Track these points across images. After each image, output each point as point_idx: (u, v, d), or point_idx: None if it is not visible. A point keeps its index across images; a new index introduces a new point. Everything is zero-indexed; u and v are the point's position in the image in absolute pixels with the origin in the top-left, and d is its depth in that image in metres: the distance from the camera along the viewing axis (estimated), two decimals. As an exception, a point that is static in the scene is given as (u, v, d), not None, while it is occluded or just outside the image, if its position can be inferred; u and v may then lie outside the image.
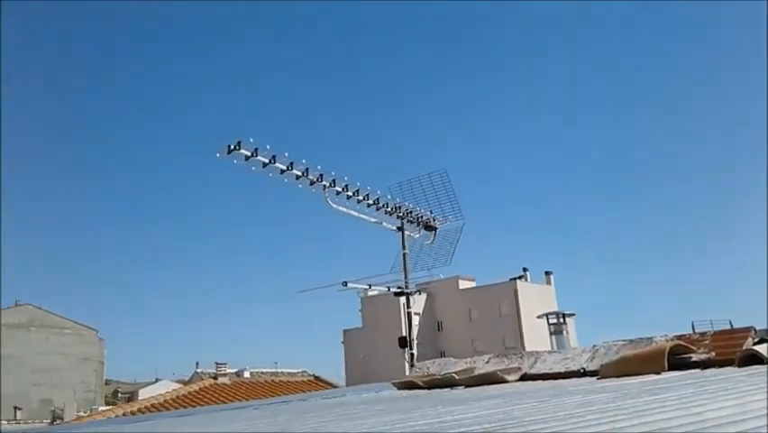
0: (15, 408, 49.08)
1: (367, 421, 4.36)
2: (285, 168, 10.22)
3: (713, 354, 6.04)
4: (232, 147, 9.67)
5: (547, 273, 42.86)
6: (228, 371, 30.12)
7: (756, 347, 5.54)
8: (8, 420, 42.66)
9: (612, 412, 3.08)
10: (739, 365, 5.47)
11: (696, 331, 7.21)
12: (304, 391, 21.32)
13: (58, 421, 36.49)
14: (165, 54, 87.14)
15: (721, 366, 5.76)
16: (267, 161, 9.97)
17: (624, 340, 7.31)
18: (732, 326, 8.22)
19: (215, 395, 23.88)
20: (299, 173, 10.40)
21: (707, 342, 6.24)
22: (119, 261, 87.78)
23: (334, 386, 28.30)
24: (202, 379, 30.61)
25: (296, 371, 33.03)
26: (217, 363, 29.64)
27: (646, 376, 5.79)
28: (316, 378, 30.85)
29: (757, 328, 6.11)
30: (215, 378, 27.23)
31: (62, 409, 41.36)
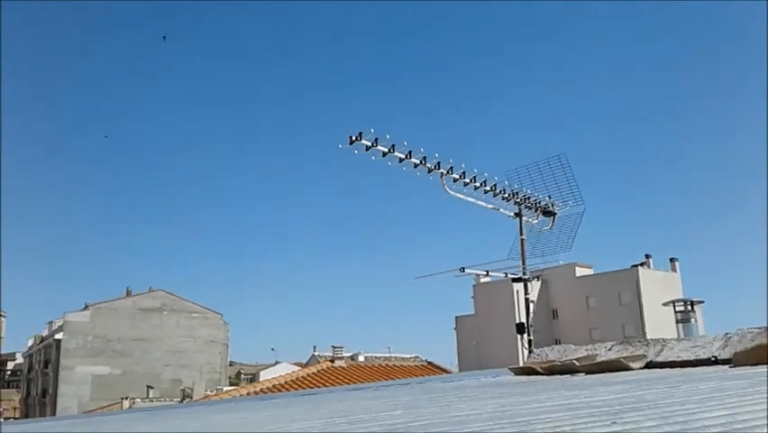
0: (148, 387, 52.95)
1: (489, 402, 4.43)
2: (404, 156, 10.45)
3: None
4: (353, 138, 10.02)
5: (672, 260, 40.84)
6: (344, 354, 31.00)
7: None
8: (141, 398, 46.00)
9: (751, 397, 2.99)
10: None
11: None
12: (418, 376, 21.62)
13: (187, 399, 38.98)
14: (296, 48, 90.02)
15: None
16: (386, 150, 10.24)
17: (759, 327, 6.93)
18: None
19: (332, 377, 24.70)
20: (417, 161, 10.60)
21: None
22: (242, 250, 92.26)
23: (447, 372, 28.46)
24: (319, 362, 31.72)
25: (408, 356, 33.46)
26: (334, 347, 30.56)
27: (786, 365, 5.48)
28: (429, 363, 31.15)
29: None
30: (332, 361, 28.12)
31: (191, 389, 44.11)
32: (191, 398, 39.42)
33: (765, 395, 2.98)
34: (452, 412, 3.90)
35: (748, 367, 5.73)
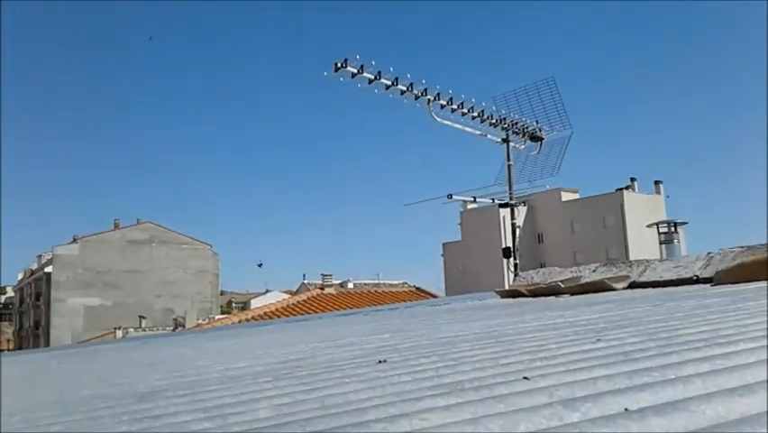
0: (140, 316, 53.69)
1: (477, 324, 4.51)
2: (390, 83, 10.30)
3: (842, 259, 5.74)
4: (339, 65, 9.83)
5: (656, 183, 41.22)
6: (333, 282, 31.41)
7: None
8: (134, 328, 46.69)
9: (733, 313, 3.06)
10: None
11: (822, 238, 6.82)
12: (406, 301, 22.02)
13: (179, 328, 39.59)
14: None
15: None
16: (372, 77, 10.07)
17: (741, 247, 7.05)
18: None
19: (323, 304, 25.12)
20: (404, 88, 10.45)
21: (835, 247, 5.92)
22: (229, 179, 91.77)
23: (435, 296, 28.99)
24: (309, 289, 32.17)
25: (397, 282, 33.98)
26: (323, 275, 30.94)
27: (765, 282, 5.61)
28: (418, 289, 31.70)
29: None
30: (322, 288, 28.55)
31: (183, 318, 44.78)
32: (183, 327, 40.03)
33: (746, 311, 3.04)
34: (440, 334, 3.97)
35: (729, 285, 5.86)
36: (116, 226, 60.89)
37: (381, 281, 34.68)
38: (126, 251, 58.81)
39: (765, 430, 0.92)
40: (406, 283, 33.31)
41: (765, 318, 2.58)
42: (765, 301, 3.51)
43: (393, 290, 31.01)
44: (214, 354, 4.65)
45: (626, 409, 1.19)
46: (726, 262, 6.83)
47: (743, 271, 6.25)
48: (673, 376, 1.49)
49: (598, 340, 2.49)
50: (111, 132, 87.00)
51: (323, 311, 22.11)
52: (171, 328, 42.39)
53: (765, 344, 1.85)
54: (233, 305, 76.94)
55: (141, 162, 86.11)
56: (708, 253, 7.42)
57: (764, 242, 6.89)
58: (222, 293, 73.19)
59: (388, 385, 1.98)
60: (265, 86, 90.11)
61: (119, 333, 42.52)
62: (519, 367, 2.00)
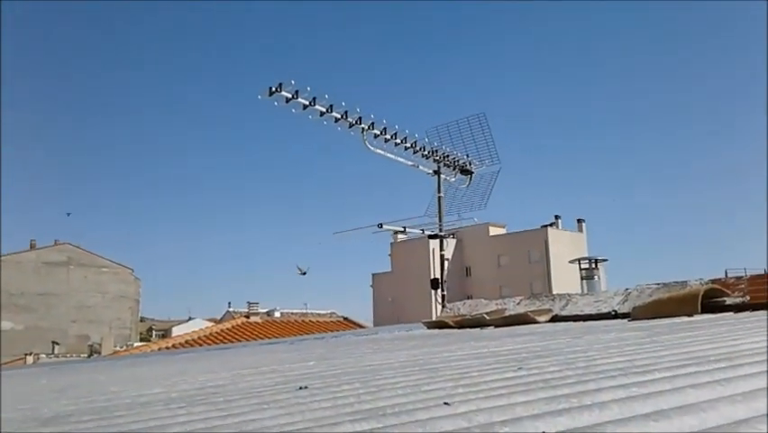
0: (54, 342, 51.06)
1: (402, 353, 4.49)
2: (325, 110, 10.30)
3: (748, 297, 6.04)
4: (273, 89, 9.78)
5: (579, 221, 42.68)
6: (259, 310, 30.83)
7: (793, 292, 5.53)
8: (47, 354, 44.35)
9: (648, 345, 3.15)
10: (774, 309, 5.48)
11: (730, 277, 7.19)
12: (334, 331, 21.81)
13: (95, 355, 37.90)
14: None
15: (755, 310, 5.78)
16: (307, 102, 10.06)
17: (657, 283, 7.33)
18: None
19: (248, 333, 24.55)
20: (339, 116, 10.48)
21: (742, 286, 6.24)
22: (154, 202, 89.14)
23: (363, 327, 28.86)
24: (234, 318, 31.42)
25: (324, 312, 33.64)
26: (249, 303, 30.39)
27: (679, 318, 5.84)
28: (345, 319, 31.46)
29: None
30: (247, 317, 27.95)
31: (99, 345, 42.88)
32: (99, 354, 38.30)
33: (661, 344, 3.14)
34: (365, 362, 3.92)
35: (646, 320, 6.06)
36: (32, 247, 58.02)
37: (309, 311, 34.26)
38: (42, 272, 56.04)
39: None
40: (334, 313, 33.02)
41: (680, 351, 2.66)
42: (679, 335, 3.64)
43: (321, 319, 30.66)
44: (127, 381, 4.44)
45: (543, 433, 1.19)
46: (642, 298, 7.08)
47: (658, 308, 6.49)
48: (590, 402, 1.50)
49: (520, 369, 2.51)
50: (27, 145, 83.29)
51: (247, 340, 21.61)
52: (86, 355, 40.53)
53: (679, 373, 1.90)
54: (154, 332, 74.25)
55: (61, 181, 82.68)
56: (627, 289, 7.68)
57: (679, 280, 7.20)
58: (142, 320, 70.58)
59: (307, 411, 1.93)
60: (199, 99, 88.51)
61: (29, 359, 40.23)
62: (441, 393, 1.98)
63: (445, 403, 1.70)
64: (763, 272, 7.30)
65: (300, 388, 2.59)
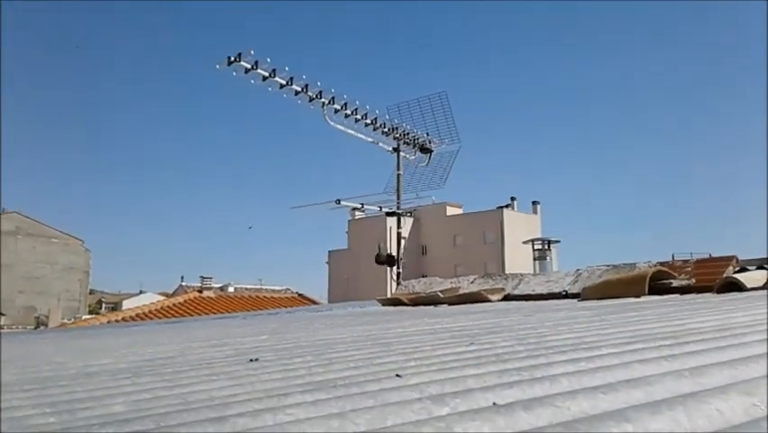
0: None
1: (356, 328, 4.49)
2: (285, 82, 10.15)
3: (693, 280, 6.22)
4: (232, 59, 9.58)
5: (534, 203, 43.30)
6: (213, 285, 30.52)
7: (737, 276, 5.72)
8: (-10, 325, 43.13)
9: (597, 323, 3.21)
10: (718, 292, 5.66)
11: (676, 260, 7.39)
12: (288, 307, 21.73)
13: (42, 327, 37.03)
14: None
15: (700, 292, 5.95)
16: (267, 74, 9.89)
17: (607, 265, 7.50)
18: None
19: (200, 307, 24.28)
20: (299, 89, 10.34)
21: (689, 269, 6.42)
22: (108, 174, 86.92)
23: (318, 303, 28.84)
24: (186, 292, 31.00)
25: (279, 288, 33.48)
26: (202, 277, 30.03)
27: (627, 299, 5.98)
28: (300, 295, 31.37)
29: (739, 258, 6.29)
30: (200, 291, 27.62)
31: (47, 316, 41.88)
32: (46, 325, 37.42)
33: (609, 322, 3.20)
34: (318, 336, 3.90)
35: (595, 301, 6.19)
36: (-23, 215, 56.13)
37: (263, 287, 34.05)
38: (-13, 242, 54.30)
39: (627, 424, 0.93)
40: (288, 289, 32.89)
41: (627, 329, 2.72)
42: (627, 315, 3.72)
43: (275, 295, 30.51)
44: (74, 352, 4.33)
45: (494, 404, 1.19)
46: (592, 279, 7.23)
47: (607, 289, 6.64)
48: (541, 376, 1.51)
49: (472, 344, 2.52)
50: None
51: (200, 315, 21.38)
52: (33, 327, 39.56)
53: (627, 349, 1.93)
54: (104, 305, 72.85)
55: (12, 148, 79.92)
56: (577, 270, 7.83)
57: (628, 262, 7.36)
58: (91, 292, 69.10)
59: (257, 382, 1.90)
60: (154, 71, 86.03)
61: (-28, 330, 39.10)
62: (393, 366, 1.97)
63: (397, 376, 1.69)
64: (708, 257, 7.52)
65: (251, 360, 2.56)
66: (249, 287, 33.66)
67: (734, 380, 1.24)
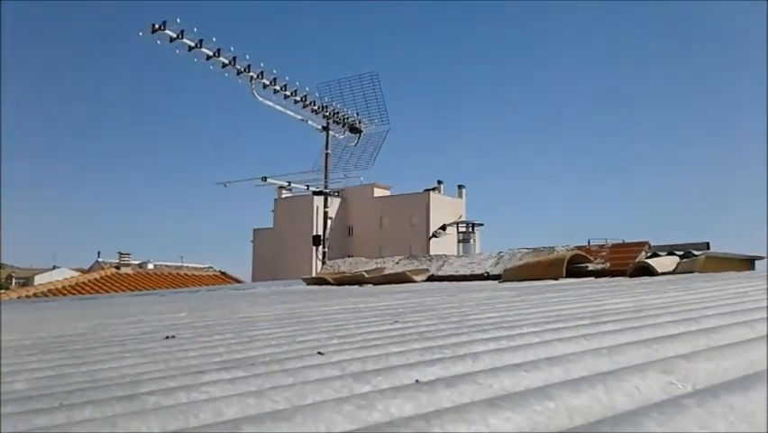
0: None
1: (279, 307, 4.43)
2: (212, 54, 9.84)
3: (608, 264, 6.47)
4: (156, 26, 9.19)
5: (460, 187, 43.95)
6: (131, 262, 29.57)
7: (649, 261, 5.97)
8: None
9: (518, 303, 3.27)
10: (631, 276, 5.90)
11: (592, 245, 7.66)
12: (210, 285, 21.32)
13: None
14: None
15: (614, 276, 6.20)
16: (193, 44, 9.56)
17: (527, 248, 7.69)
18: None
19: (117, 284, 23.49)
20: (226, 61, 10.06)
21: (604, 253, 6.67)
22: (21, 141, 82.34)
23: (241, 282, 28.42)
24: (103, 268, 29.93)
25: (202, 266, 32.78)
26: (120, 253, 29.03)
27: (546, 281, 6.16)
28: (223, 273, 30.83)
29: (652, 244, 6.57)
30: (118, 268, 26.72)
31: (-50, 291, 39.58)
32: (-51, 301, 35.32)
33: (530, 303, 3.26)
34: (241, 314, 3.82)
35: (516, 282, 6.34)
36: None
37: (185, 264, 33.25)
38: None
39: (549, 401, 0.92)
40: (211, 268, 32.23)
41: (547, 309, 2.77)
42: (547, 295, 3.81)
43: (197, 273, 29.84)
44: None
45: (416, 381, 1.17)
46: (513, 261, 7.40)
47: (527, 271, 6.81)
48: (463, 353, 1.50)
49: (396, 322, 2.51)
50: None
51: (117, 292, 20.68)
52: (-67, 303, 37.22)
53: (547, 328, 1.96)
54: (14, 280, 69.40)
55: None
56: (499, 253, 8.00)
57: (548, 245, 7.58)
58: (1, 267, 65.76)
59: (171, 360, 1.82)
60: (76, 33, 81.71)
61: None
62: (315, 344, 1.93)
63: (319, 353, 1.66)
64: (621, 242, 7.84)
65: (167, 337, 2.46)
66: (169, 264, 32.80)
67: (650, 358, 1.27)
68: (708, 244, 6.84)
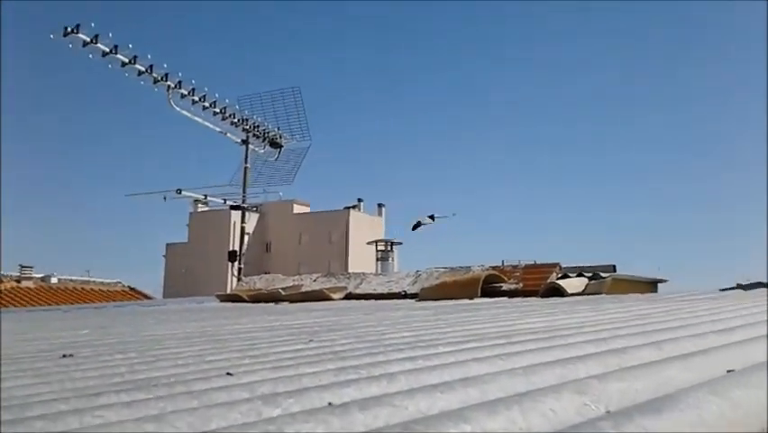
0: None
1: (190, 324, 4.26)
2: (128, 61, 9.50)
3: (521, 284, 6.62)
4: (69, 30, 8.80)
5: (380, 205, 44.20)
6: (33, 275, 27.98)
7: (559, 282, 6.15)
8: None
9: (434, 322, 3.27)
10: (542, 296, 6.06)
11: (506, 265, 7.83)
12: (118, 301, 20.45)
13: None
14: None
15: (526, 296, 6.35)
16: (108, 50, 9.20)
17: (444, 268, 7.77)
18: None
19: (17, 299, 22.17)
20: (143, 69, 9.73)
21: (518, 274, 6.82)
22: None
23: (151, 298, 27.40)
24: (2, 282, 28.15)
25: (110, 281, 31.41)
26: (21, 266, 27.40)
27: (462, 300, 6.23)
28: (132, 289, 29.64)
29: (563, 265, 6.78)
30: (18, 281, 25.24)
31: None
32: None
33: (446, 321, 3.27)
34: (147, 332, 3.65)
35: (433, 301, 6.39)
36: None
37: (91, 279, 31.77)
38: None
39: (465, 424, 0.89)
40: (120, 283, 30.93)
41: (462, 328, 2.78)
42: (462, 315, 3.84)
43: (104, 288, 28.58)
44: None
45: (329, 404, 1.12)
46: (431, 280, 7.46)
47: (443, 291, 6.88)
48: (379, 374, 1.47)
49: (311, 341, 2.45)
50: None
51: (16, 306, 19.48)
52: None
53: (463, 348, 1.95)
54: None
55: None
56: (417, 272, 8.06)
57: (464, 265, 7.69)
58: None
59: (67, 381, 1.69)
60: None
61: None
62: (225, 364, 1.85)
63: (228, 374, 1.58)
64: (534, 263, 8.06)
65: (64, 356, 2.30)
66: (75, 278, 31.24)
67: (564, 379, 1.27)
68: (614, 266, 7.13)
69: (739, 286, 5.67)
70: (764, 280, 5.82)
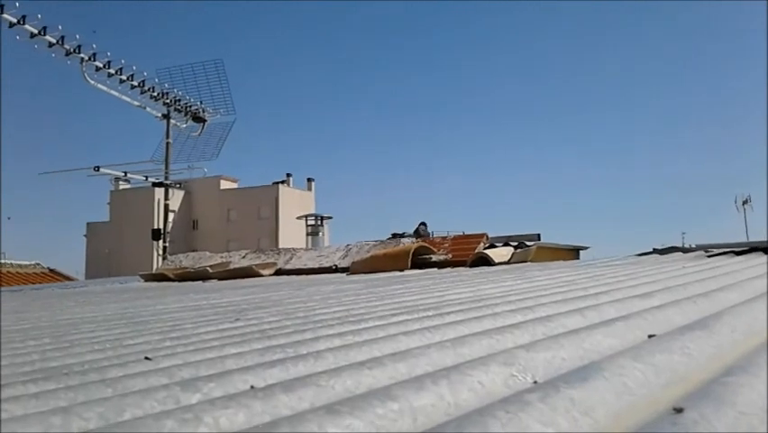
0: None
1: (110, 306, 4.10)
2: (36, 32, 8.93)
3: (450, 255, 6.70)
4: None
5: (309, 180, 43.81)
6: (-57, 259, 26.42)
7: (487, 251, 6.26)
8: None
9: (365, 296, 3.25)
10: (471, 266, 6.15)
11: (435, 237, 7.91)
12: (36, 284, 19.57)
13: None
14: None
15: (455, 266, 6.43)
16: (15, 20, 8.63)
17: (375, 241, 7.78)
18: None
19: (-75, 285, 20.87)
20: (53, 40, 9.18)
21: (447, 245, 6.90)
22: None
23: (72, 280, 26.39)
24: None
25: (27, 263, 30.03)
26: (-72, 250, 25.80)
27: (393, 272, 6.26)
28: (52, 271, 28.44)
29: (490, 235, 6.90)
30: (-75, 266, 23.76)
31: None
32: None
33: (376, 295, 3.26)
34: (64, 316, 3.48)
35: (364, 274, 6.39)
36: None
37: (7, 261, 30.26)
38: None
39: (392, 402, 0.87)
40: (38, 264, 29.61)
41: (392, 301, 2.77)
42: (393, 287, 3.84)
43: (21, 270, 27.29)
44: None
45: (252, 387, 1.07)
46: (361, 253, 7.45)
47: (374, 264, 6.89)
48: (305, 352, 1.43)
49: (237, 320, 2.39)
50: None
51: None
52: None
53: (392, 321, 1.94)
54: None
55: None
56: (347, 245, 8.03)
57: (392, 237, 7.72)
58: None
59: (-31, 373, 1.57)
60: None
61: None
62: (145, 348, 1.77)
63: (146, 358, 1.50)
64: (462, 234, 8.17)
65: (-31, 345, 2.15)
66: (-12, 261, 29.66)
67: (492, 350, 1.27)
68: (539, 235, 7.30)
69: (655, 250, 5.91)
70: (678, 245, 6.09)
